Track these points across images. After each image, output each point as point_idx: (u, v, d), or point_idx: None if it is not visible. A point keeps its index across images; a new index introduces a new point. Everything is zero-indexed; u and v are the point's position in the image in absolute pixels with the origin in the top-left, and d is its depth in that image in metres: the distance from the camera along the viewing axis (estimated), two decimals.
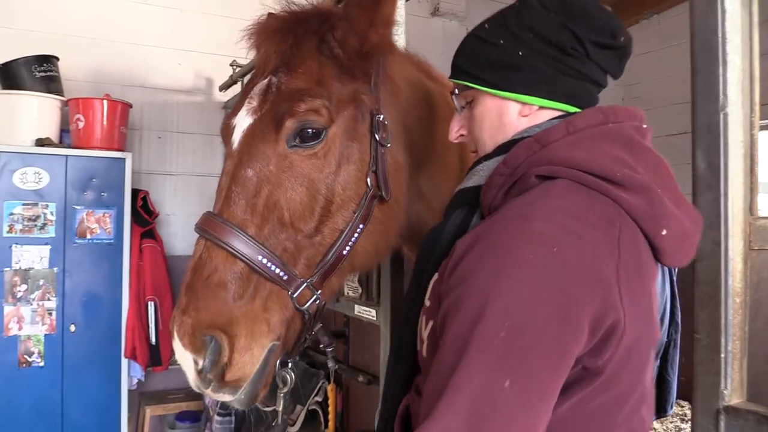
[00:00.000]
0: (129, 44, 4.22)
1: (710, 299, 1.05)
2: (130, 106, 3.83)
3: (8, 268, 3.34)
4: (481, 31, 1.07)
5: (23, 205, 3.37)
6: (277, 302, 1.12)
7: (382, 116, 1.22)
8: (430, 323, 0.93)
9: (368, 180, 1.19)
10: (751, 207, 1.07)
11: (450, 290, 0.84)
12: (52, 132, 3.53)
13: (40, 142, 3.44)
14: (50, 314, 3.42)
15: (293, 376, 1.24)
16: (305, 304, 1.14)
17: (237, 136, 1.19)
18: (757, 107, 1.07)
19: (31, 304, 3.38)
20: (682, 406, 2.29)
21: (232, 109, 1.26)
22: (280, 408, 1.27)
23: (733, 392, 1.02)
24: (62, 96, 3.65)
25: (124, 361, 3.61)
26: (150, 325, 3.75)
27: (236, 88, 3.98)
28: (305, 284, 1.14)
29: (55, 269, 3.44)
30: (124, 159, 3.64)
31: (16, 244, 3.35)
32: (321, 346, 2.54)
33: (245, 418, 3.16)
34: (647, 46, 5.23)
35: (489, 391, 0.73)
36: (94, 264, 3.54)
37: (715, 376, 1.03)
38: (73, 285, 3.48)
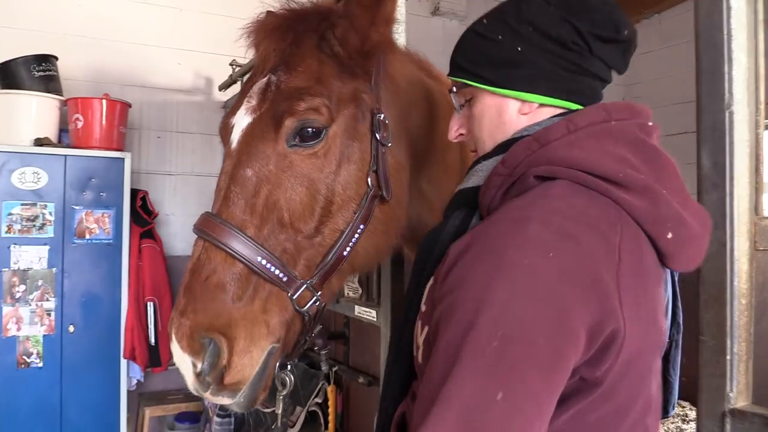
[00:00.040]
0: (128, 43, 4.21)
1: (715, 300, 1.04)
2: (130, 105, 3.82)
3: (7, 269, 3.32)
4: (480, 26, 1.04)
5: (22, 205, 3.35)
6: (277, 304, 1.10)
7: (382, 115, 1.21)
8: (426, 328, 0.89)
9: (369, 180, 1.18)
10: (756, 207, 1.06)
11: (443, 296, 0.82)
12: (50, 132, 3.52)
13: (39, 142, 3.43)
14: (49, 315, 3.40)
15: (292, 378, 1.23)
16: (305, 305, 1.13)
17: (236, 136, 1.18)
18: (762, 106, 1.06)
19: (30, 305, 3.36)
20: (683, 407, 2.28)
21: (230, 108, 1.25)
22: (280, 411, 1.26)
23: (738, 395, 1.02)
24: (61, 95, 3.64)
25: (123, 362, 3.60)
26: (149, 326, 3.74)
27: (236, 88, 3.97)
28: (305, 285, 1.12)
29: (54, 269, 3.42)
30: (123, 159, 3.63)
31: (15, 244, 3.34)
32: (315, 348, 2.54)
33: (244, 420, 3.15)
34: (648, 46, 5.22)
35: (481, 403, 0.70)
36: (93, 264, 3.52)
37: (720, 378, 1.02)
38: (72, 285, 3.46)
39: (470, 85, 1.04)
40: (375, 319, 1.95)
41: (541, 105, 0.98)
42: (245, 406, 1.10)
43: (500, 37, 0.99)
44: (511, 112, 1.00)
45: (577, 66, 0.96)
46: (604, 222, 0.82)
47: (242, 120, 1.18)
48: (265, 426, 2.75)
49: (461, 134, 1.11)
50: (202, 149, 4.45)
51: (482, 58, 1.01)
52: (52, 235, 3.42)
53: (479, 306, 0.75)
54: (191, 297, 1.06)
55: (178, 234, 4.32)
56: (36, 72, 3.55)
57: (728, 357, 1.02)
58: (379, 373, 2.02)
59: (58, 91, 3.65)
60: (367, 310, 2.03)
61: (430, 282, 0.94)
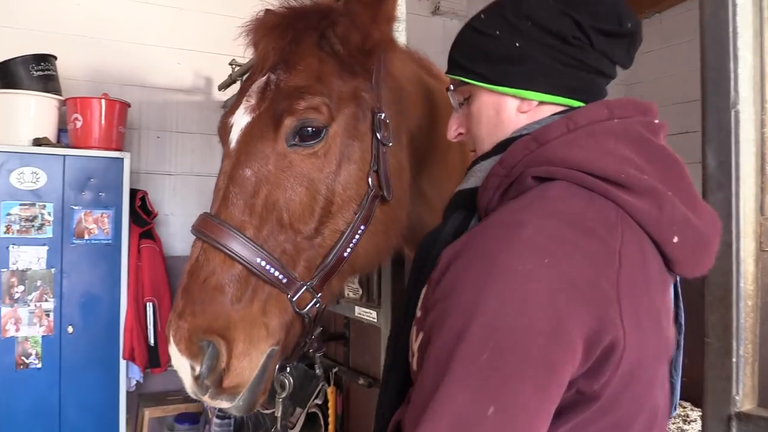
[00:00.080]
0: (128, 43, 4.20)
1: (721, 302, 1.02)
2: (129, 105, 3.81)
3: (5, 269, 3.31)
4: (477, 21, 1.00)
5: (20, 205, 3.34)
6: (276, 306, 1.09)
7: (383, 114, 1.19)
8: (420, 335, 0.85)
9: (369, 180, 1.16)
10: (762, 207, 1.04)
11: (436, 302, 0.79)
12: (49, 131, 3.51)
13: (38, 142, 3.42)
14: (48, 315, 3.39)
15: (291, 380, 1.22)
16: (305, 307, 1.11)
17: (235, 135, 1.16)
18: None
19: (29, 306, 3.35)
20: (684, 407, 2.27)
21: (229, 107, 1.23)
22: (279, 414, 1.24)
23: (744, 398, 1.00)
24: (60, 95, 3.63)
25: (123, 363, 3.59)
26: (148, 327, 3.73)
27: (235, 88, 3.96)
28: (305, 287, 1.11)
29: (53, 270, 3.41)
30: (122, 159, 3.62)
31: (14, 244, 3.33)
32: (310, 351, 2.52)
33: (244, 422, 3.13)
34: (648, 45, 5.20)
35: (472, 417, 0.68)
36: (92, 265, 3.51)
37: (726, 380, 1.01)
38: (71, 286, 3.45)
39: (468, 83, 1.01)
40: (375, 320, 1.94)
41: (541, 103, 0.94)
42: (244, 410, 1.09)
43: (498, 32, 0.95)
44: (509, 111, 0.96)
45: (578, 61, 0.92)
46: (603, 225, 0.78)
47: (241, 119, 1.16)
48: (264, 428, 2.74)
49: (460, 133, 1.08)
50: (202, 149, 4.44)
51: (479, 54, 0.97)
52: (50, 236, 3.41)
53: (470, 314, 0.72)
54: (189, 299, 1.04)
55: (177, 234, 4.30)
56: (35, 71, 3.54)
57: (734, 359, 1.00)
58: (380, 374, 2.01)
59: (57, 90, 3.64)
60: (368, 311, 2.02)
61: (426, 287, 0.91)
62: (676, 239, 0.83)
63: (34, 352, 3.35)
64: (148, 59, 4.26)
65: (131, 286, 3.67)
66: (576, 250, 0.75)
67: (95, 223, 3.53)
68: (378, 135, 1.18)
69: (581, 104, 0.94)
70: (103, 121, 3.59)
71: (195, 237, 1.10)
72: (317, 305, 1.13)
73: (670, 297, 0.92)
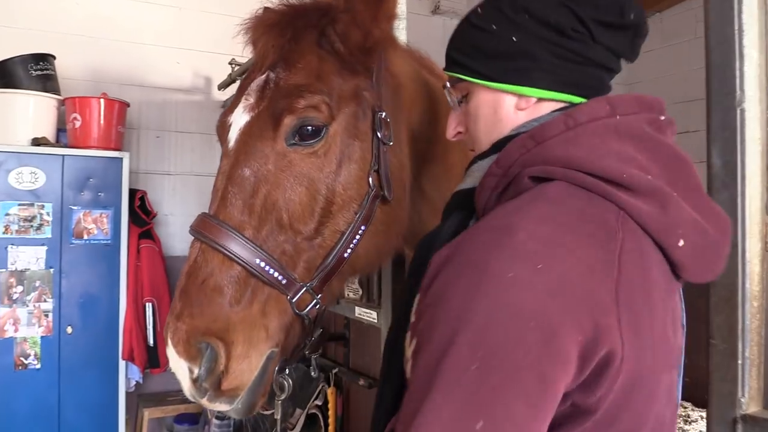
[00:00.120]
0: (127, 43, 4.19)
1: (726, 303, 1.01)
2: (128, 105, 3.80)
3: (4, 270, 3.30)
4: (474, 16, 0.95)
5: (19, 205, 3.33)
6: (276, 307, 1.08)
7: (384, 113, 1.18)
8: (414, 341, 0.80)
9: (370, 179, 1.15)
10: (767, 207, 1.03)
11: (426, 309, 0.75)
12: (48, 131, 3.50)
13: (37, 142, 3.41)
14: (47, 316, 3.38)
15: (291, 382, 1.20)
16: (305, 308, 1.10)
17: (233, 134, 1.15)
18: None
19: (28, 306, 3.34)
20: (685, 407, 2.26)
21: (228, 106, 1.22)
22: (278, 416, 1.23)
23: (750, 400, 0.99)
24: (59, 95, 3.62)
25: (122, 363, 3.58)
26: (148, 327, 3.72)
27: (235, 87, 3.93)
28: (305, 288, 1.10)
29: (52, 270, 3.40)
30: (121, 159, 3.61)
31: (12, 245, 3.32)
32: (306, 353, 2.51)
33: (243, 423, 3.12)
34: (649, 45, 5.16)
35: (459, 431, 0.64)
36: (91, 265, 3.50)
37: (731, 383, 0.99)
38: (70, 286, 3.44)
39: (465, 80, 0.98)
40: (375, 321, 1.93)
41: (540, 99, 0.90)
42: (243, 413, 1.08)
43: (494, 26, 0.91)
44: (507, 108, 0.92)
45: (578, 55, 0.88)
46: (602, 229, 0.74)
47: (240, 118, 1.15)
48: (264, 429, 2.73)
49: (459, 132, 1.05)
50: (201, 149, 4.43)
51: (476, 50, 0.94)
52: (49, 236, 3.40)
53: (458, 324, 0.68)
54: (187, 300, 1.03)
55: (176, 234, 4.29)
56: (33, 71, 3.53)
57: (739, 361, 0.99)
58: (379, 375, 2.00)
59: (55, 90, 3.63)
60: (368, 311, 2.01)
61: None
62: (681, 243, 0.78)
63: (33, 353, 3.33)
64: (148, 59, 4.25)
65: (130, 286, 3.66)
66: (571, 256, 0.71)
67: (94, 223, 3.52)
68: (379, 134, 1.16)
69: (582, 100, 0.90)
70: (102, 121, 3.58)
71: (193, 238, 1.09)
72: (317, 306, 1.12)
73: (678, 303, 0.88)
